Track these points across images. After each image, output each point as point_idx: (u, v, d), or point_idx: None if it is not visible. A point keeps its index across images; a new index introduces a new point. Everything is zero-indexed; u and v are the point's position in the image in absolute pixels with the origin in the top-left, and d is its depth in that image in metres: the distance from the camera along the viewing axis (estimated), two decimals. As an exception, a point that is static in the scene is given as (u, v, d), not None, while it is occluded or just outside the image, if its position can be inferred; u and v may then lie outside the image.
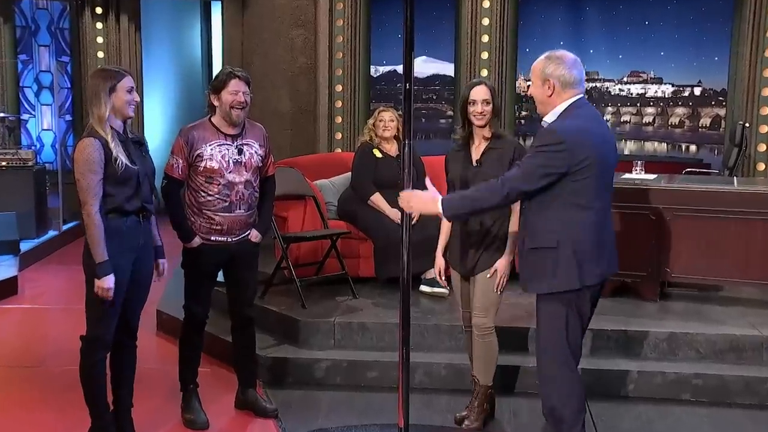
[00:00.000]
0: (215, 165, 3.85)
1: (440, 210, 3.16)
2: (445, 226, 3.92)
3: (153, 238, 3.74)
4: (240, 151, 3.91)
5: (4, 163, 7.74)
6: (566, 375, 3.25)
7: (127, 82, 3.48)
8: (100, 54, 9.40)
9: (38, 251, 7.62)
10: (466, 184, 3.71)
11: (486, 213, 3.40)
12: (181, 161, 3.87)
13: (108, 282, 3.40)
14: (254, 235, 4.04)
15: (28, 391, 4.52)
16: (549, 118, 3.17)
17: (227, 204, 3.90)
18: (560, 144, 3.00)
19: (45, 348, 5.16)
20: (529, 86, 3.31)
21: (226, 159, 3.88)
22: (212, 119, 3.93)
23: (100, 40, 9.40)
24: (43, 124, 9.99)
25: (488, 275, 3.76)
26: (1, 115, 8.49)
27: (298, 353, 4.71)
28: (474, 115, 3.74)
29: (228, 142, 3.90)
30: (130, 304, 3.64)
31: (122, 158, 3.41)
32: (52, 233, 8.01)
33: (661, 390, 4.40)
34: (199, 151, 3.85)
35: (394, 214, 5.32)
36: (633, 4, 8.13)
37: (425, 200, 3.19)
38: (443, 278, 3.97)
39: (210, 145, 3.87)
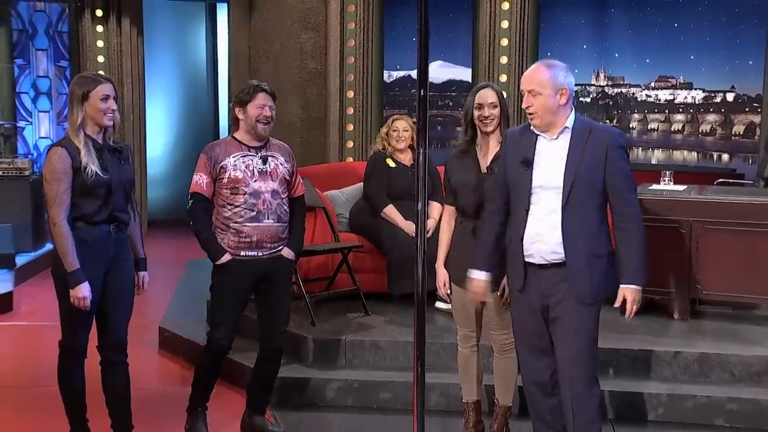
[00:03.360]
0: (239, 174, 3.92)
1: (641, 286, 3.31)
2: (444, 237, 3.92)
3: (135, 249, 3.80)
4: (264, 161, 3.98)
5: (-1, 173, 7.83)
6: (597, 392, 3.38)
7: (103, 89, 3.54)
8: (101, 58, 9.48)
9: (35, 265, 7.66)
10: (475, 191, 3.72)
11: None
12: (205, 177, 3.95)
13: (82, 291, 3.50)
14: (287, 251, 4.07)
15: (21, 412, 4.54)
16: (569, 122, 3.31)
17: (254, 213, 3.94)
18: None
19: (40, 367, 5.17)
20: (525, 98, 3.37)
21: (251, 168, 3.95)
22: (235, 135, 4.03)
23: (100, 44, 9.48)
24: (41, 131, 10.07)
25: (498, 293, 3.76)
26: (-3, 122, 8.60)
27: (308, 373, 4.72)
28: (481, 120, 3.75)
29: (252, 153, 3.98)
30: (110, 318, 3.72)
31: (92, 167, 3.49)
32: (49, 246, 8.05)
33: (692, 414, 4.37)
34: (222, 164, 3.93)
35: (408, 227, 5.33)
36: (661, 5, 8.14)
37: (635, 294, 3.30)
38: (447, 293, 3.94)
39: (233, 157, 3.95)
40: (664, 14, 8.13)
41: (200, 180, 3.96)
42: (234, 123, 4.03)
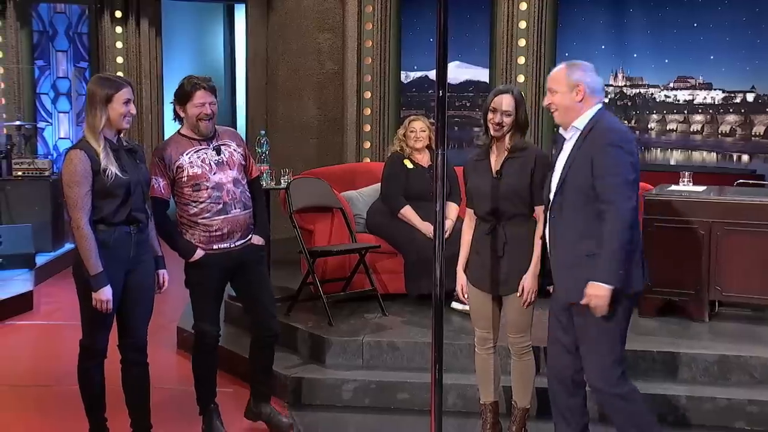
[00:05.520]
0: (198, 170, 3.93)
1: (609, 287, 3.19)
2: (465, 239, 3.92)
3: (152, 248, 3.82)
4: (218, 151, 4.00)
5: (20, 173, 7.89)
6: (635, 389, 3.37)
7: (125, 93, 3.56)
8: (120, 59, 9.54)
9: (54, 265, 7.72)
10: (487, 195, 3.74)
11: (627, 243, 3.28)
12: (161, 180, 3.96)
13: (104, 294, 3.52)
14: (256, 239, 4.12)
15: (41, 411, 4.58)
16: (580, 123, 3.29)
17: (221, 206, 3.96)
18: (631, 141, 3.24)
19: (60, 366, 5.21)
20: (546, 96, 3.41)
21: (207, 162, 3.96)
22: (182, 131, 4.03)
23: (119, 45, 9.54)
24: (60, 132, 10.14)
25: (518, 294, 3.75)
26: (18, 122, 8.66)
27: (325, 373, 4.72)
28: (491, 124, 3.73)
29: (204, 146, 3.99)
30: (131, 318, 3.75)
31: (112, 168, 3.51)
32: (69, 246, 8.10)
33: (712, 417, 4.34)
34: (178, 163, 3.93)
35: (426, 228, 5.33)
36: (680, 5, 8.07)
37: (596, 292, 3.21)
38: (465, 295, 3.94)
39: (187, 154, 3.95)
40: (684, 14, 8.06)
41: (157, 185, 3.96)
42: (178, 119, 4.04)
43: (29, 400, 4.74)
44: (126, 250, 3.63)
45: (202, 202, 3.95)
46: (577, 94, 3.28)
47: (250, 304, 4.21)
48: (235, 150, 4.07)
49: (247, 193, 4.09)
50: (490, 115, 3.73)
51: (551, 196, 3.37)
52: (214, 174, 3.95)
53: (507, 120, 3.72)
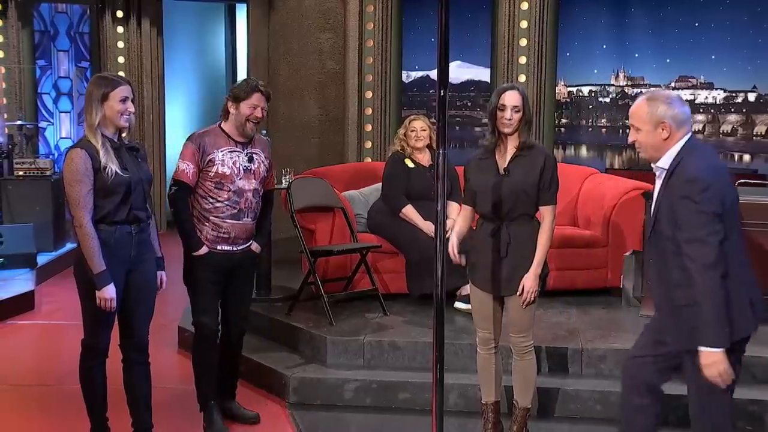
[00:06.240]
0: (227, 171, 3.98)
1: (720, 350, 2.98)
2: (459, 220, 3.92)
3: (153, 248, 3.83)
4: (250, 159, 4.07)
5: (21, 173, 7.90)
6: None
7: (122, 91, 3.57)
8: (121, 59, 9.55)
9: (56, 265, 7.73)
10: (492, 192, 3.74)
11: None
12: (192, 167, 3.99)
13: (108, 292, 3.53)
14: (255, 246, 4.19)
15: (42, 411, 4.58)
16: (664, 163, 3.09)
17: (236, 211, 4.03)
18: (708, 189, 2.93)
19: (62, 366, 5.22)
20: (629, 133, 3.20)
21: (237, 165, 4.02)
22: (222, 125, 4.08)
23: (120, 44, 9.56)
24: (62, 132, 10.16)
25: (518, 293, 3.76)
26: (19, 122, 8.67)
27: (326, 373, 4.72)
28: (502, 122, 3.75)
29: (238, 150, 4.05)
30: (132, 318, 3.75)
31: (112, 166, 3.52)
32: (70, 246, 8.11)
33: (713, 416, 4.34)
34: (210, 156, 3.98)
35: (427, 227, 5.33)
36: (682, 4, 8.09)
37: (709, 361, 3.00)
38: (458, 254, 3.86)
39: (221, 151, 4.01)
40: (685, 14, 8.07)
41: (187, 168, 3.99)
42: (224, 114, 4.09)
43: (30, 400, 4.74)
44: (127, 250, 3.63)
45: (219, 201, 4.00)
46: (662, 130, 3.05)
47: (230, 302, 4.25)
48: (263, 162, 4.13)
49: (260, 205, 4.15)
50: (499, 114, 3.74)
51: (648, 235, 3.21)
52: (240, 179, 4.02)
53: (516, 116, 3.74)
